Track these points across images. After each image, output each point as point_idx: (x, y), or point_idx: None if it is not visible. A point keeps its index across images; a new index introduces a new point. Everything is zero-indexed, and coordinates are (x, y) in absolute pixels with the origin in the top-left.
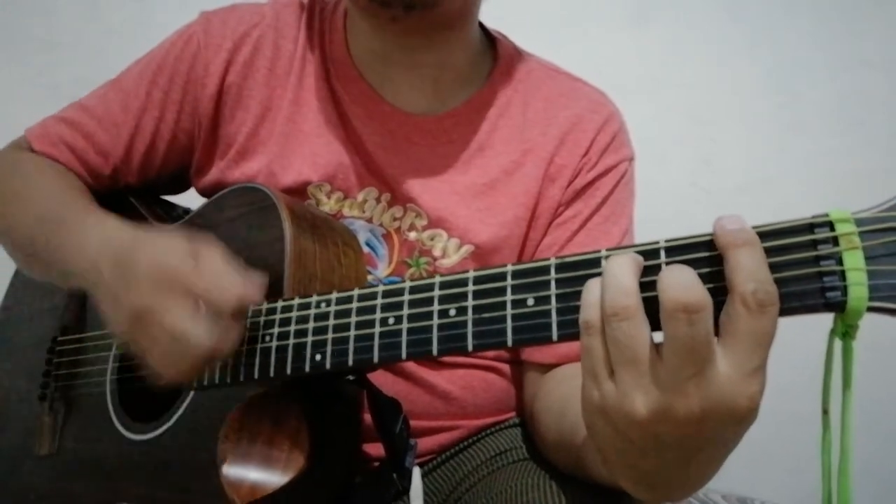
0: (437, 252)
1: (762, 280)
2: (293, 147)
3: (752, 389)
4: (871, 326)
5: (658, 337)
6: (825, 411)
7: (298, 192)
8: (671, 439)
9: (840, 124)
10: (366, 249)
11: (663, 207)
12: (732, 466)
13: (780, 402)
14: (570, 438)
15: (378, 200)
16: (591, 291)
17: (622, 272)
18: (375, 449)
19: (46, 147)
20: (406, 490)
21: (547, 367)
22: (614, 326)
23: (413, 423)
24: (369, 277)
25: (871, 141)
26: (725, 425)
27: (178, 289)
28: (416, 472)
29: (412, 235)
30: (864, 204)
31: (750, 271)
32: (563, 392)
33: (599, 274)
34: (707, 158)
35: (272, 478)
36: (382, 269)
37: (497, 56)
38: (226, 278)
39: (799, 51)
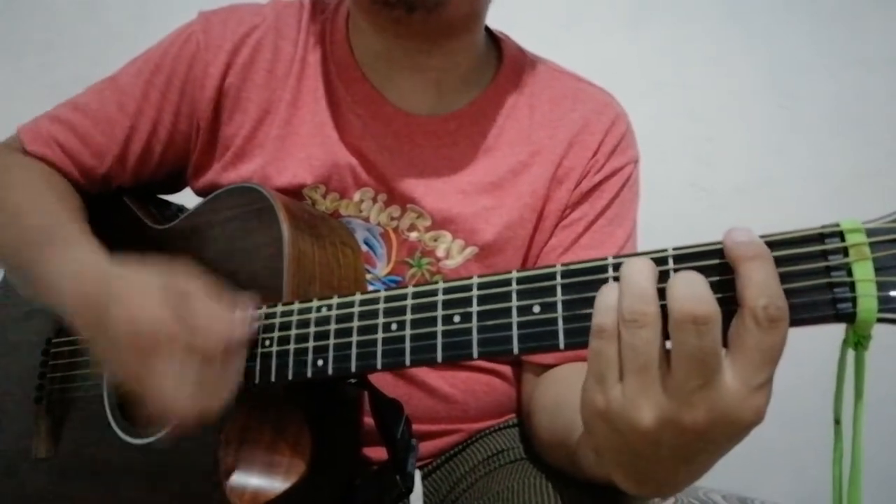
0: (440, 253)
1: (773, 295)
2: (289, 149)
3: (758, 403)
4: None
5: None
6: (837, 421)
7: (293, 194)
8: (672, 445)
9: (839, 124)
10: (364, 248)
11: (663, 207)
12: (732, 466)
13: (781, 402)
14: (564, 438)
15: (374, 200)
16: (608, 295)
17: (643, 278)
18: (376, 452)
19: (39, 148)
20: (409, 491)
21: (545, 368)
22: (632, 332)
23: (413, 426)
24: (368, 276)
25: (870, 141)
26: (727, 436)
27: (160, 350)
28: (417, 475)
29: (413, 235)
30: (864, 203)
31: (761, 286)
32: (557, 392)
33: (605, 281)
34: (706, 158)
35: (274, 483)
36: (381, 268)
37: (501, 57)
38: (211, 321)
39: (798, 51)
